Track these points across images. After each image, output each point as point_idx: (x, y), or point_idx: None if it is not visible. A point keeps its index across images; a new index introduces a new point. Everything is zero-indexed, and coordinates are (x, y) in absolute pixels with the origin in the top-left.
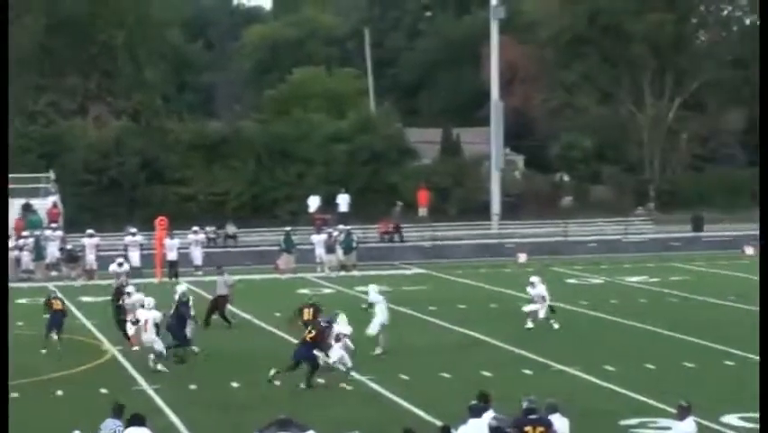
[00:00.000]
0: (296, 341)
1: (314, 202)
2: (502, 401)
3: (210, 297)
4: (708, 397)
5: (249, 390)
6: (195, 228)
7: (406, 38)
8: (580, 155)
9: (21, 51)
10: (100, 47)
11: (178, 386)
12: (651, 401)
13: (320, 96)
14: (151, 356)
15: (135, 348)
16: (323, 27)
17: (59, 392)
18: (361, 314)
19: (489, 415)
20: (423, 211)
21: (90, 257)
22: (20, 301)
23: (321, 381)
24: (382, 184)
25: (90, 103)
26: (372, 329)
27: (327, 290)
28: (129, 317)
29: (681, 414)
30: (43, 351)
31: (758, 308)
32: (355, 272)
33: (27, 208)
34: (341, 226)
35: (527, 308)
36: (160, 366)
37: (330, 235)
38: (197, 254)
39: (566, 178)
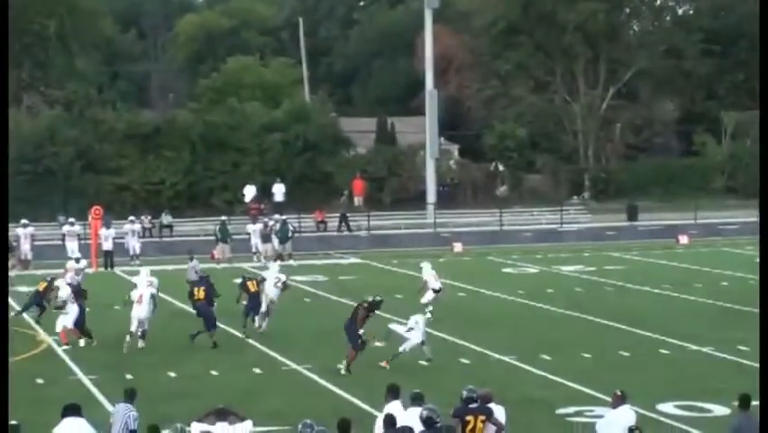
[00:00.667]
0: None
1: (249, 192)
2: (438, 391)
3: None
4: (643, 385)
5: (186, 379)
6: (131, 218)
7: (340, 27)
8: (515, 144)
9: None
10: (32, 37)
11: (114, 376)
12: (586, 390)
13: (254, 85)
14: (138, 332)
15: (66, 346)
16: (257, 17)
17: None
18: (299, 304)
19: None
20: (358, 200)
21: (25, 247)
22: None
23: (383, 364)
24: (317, 173)
25: (23, 93)
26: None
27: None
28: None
29: (616, 402)
30: None
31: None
32: (291, 262)
33: None
34: (276, 216)
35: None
36: (141, 343)
37: (266, 225)
38: (134, 244)
39: (501, 167)
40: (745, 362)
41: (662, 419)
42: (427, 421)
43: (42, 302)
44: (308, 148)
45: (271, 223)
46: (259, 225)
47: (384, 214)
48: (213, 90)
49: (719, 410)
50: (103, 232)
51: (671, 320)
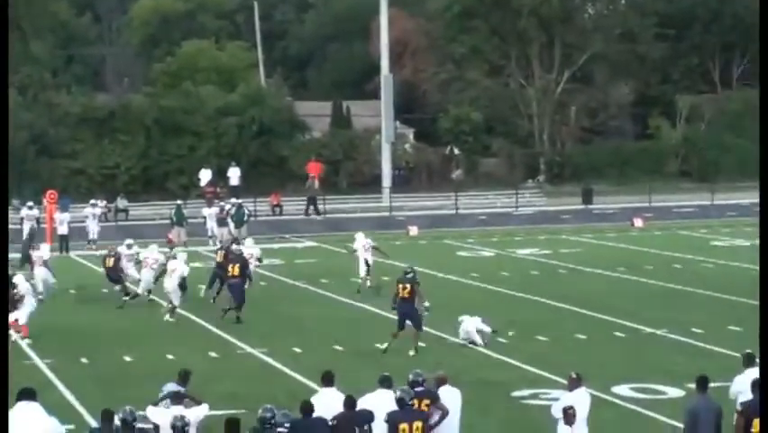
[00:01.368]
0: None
1: (205, 175)
2: (395, 374)
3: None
4: (598, 368)
5: (141, 363)
6: (92, 201)
7: (295, 11)
8: (470, 128)
9: None
10: None
11: (69, 360)
12: (542, 373)
13: (209, 69)
14: (167, 305)
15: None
16: (212, 0)
17: None
18: (255, 288)
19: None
20: (315, 183)
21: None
22: None
23: (339, 348)
24: (273, 157)
25: None
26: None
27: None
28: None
29: (572, 385)
30: None
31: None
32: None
33: None
34: (233, 200)
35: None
36: (167, 317)
37: (221, 209)
38: (94, 228)
39: (456, 151)
40: (698, 344)
41: (617, 401)
42: (399, 402)
43: None
44: (264, 132)
45: (227, 207)
46: (215, 209)
47: (340, 198)
48: (168, 74)
49: (674, 392)
50: (58, 216)
51: (625, 303)
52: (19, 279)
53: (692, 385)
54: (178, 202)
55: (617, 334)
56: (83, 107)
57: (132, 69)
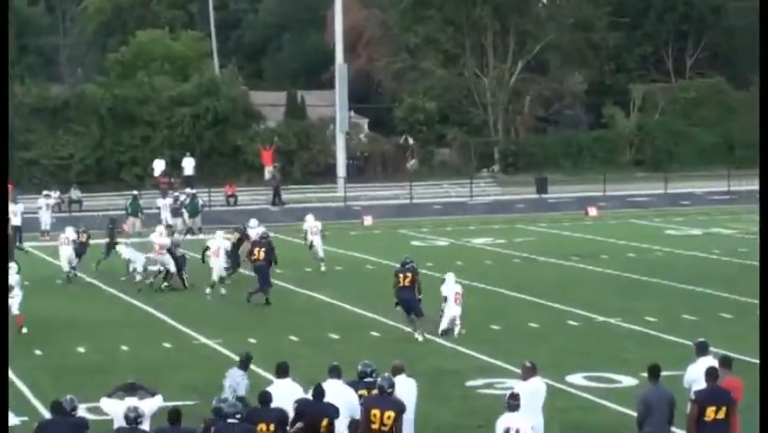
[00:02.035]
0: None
1: (158, 166)
2: (346, 365)
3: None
4: (552, 357)
5: (96, 354)
6: (46, 192)
7: (249, 0)
8: (425, 118)
9: None
10: None
11: (23, 351)
12: (497, 362)
13: (164, 58)
14: (214, 279)
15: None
16: None
17: None
18: (209, 278)
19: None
20: (268, 173)
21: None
22: None
23: (295, 338)
24: (227, 147)
25: None
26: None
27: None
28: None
29: (526, 374)
30: None
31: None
32: (201, 236)
33: None
34: (188, 190)
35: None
36: (223, 291)
37: (176, 199)
38: (47, 219)
39: (411, 140)
40: (651, 332)
41: (571, 390)
42: (380, 389)
43: None
44: (218, 121)
45: (182, 197)
46: (169, 200)
47: (294, 187)
48: (122, 64)
49: (628, 381)
50: (11, 207)
51: (579, 292)
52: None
53: (646, 374)
54: (134, 192)
55: (571, 323)
56: (37, 98)
57: (85, 59)
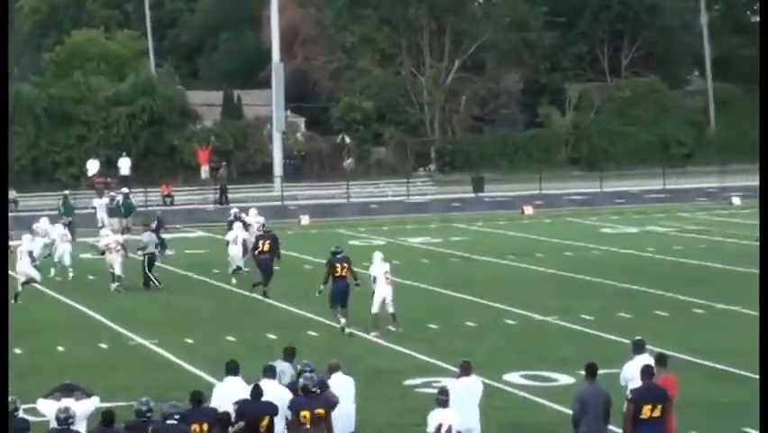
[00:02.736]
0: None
1: (92, 166)
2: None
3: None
4: (489, 355)
5: (32, 356)
6: None
7: None
8: (361, 117)
9: None
10: None
11: None
12: (434, 361)
13: (99, 58)
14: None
15: None
16: None
17: None
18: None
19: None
20: (205, 172)
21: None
22: None
23: (232, 338)
24: (163, 147)
25: None
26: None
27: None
28: None
29: (463, 372)
30: None
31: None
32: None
33: None
34: (125, 190)
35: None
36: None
37: (112, 199)
38: None
39: (348, 140)
40: (588, 331)
41: (508, 388)
42: (304, 389)
43: None
44: (154, 121)
45: (118, 197)
46: (105, 200)
47: (231, 187)
48: (57, 63)
49: (565, 379)
50: None
51: (516, 290)
52: None
53: (583, 372)
54: (65, 192)
55: (508, 321)
56: None
57: (21, 59)
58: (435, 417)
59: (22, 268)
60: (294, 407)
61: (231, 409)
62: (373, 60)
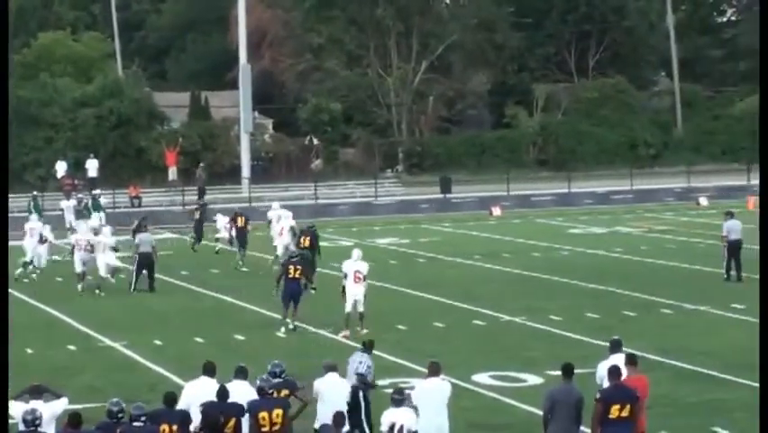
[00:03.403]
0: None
1: (61, 167)
2: (256, 365)
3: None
4: (458, 356)
5: None
6: None
7: (152, 1)
8: (329, 118)
9: None
10: None
11: None
12: (402, 361)
13: (66, 60)
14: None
15: None
16: None
17: None
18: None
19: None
20: (172, 174)
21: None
22: None
23: (200, 339)
24: (131, 148)
25: None
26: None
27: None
28: None
29: (431, 373)
30: None
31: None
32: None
33: None
34: (96, 191)
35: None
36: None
37: (80, 201)
38: None
39: (315, 141)
40: (556, 331)
41: (477, 389)
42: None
43: None
44: (122, 123)
45: (85, 199)
46: (73, 201)
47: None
48: (24, 65)
49: (533, 380)
50: None
51: (484, 291)
52: None
53: (552, 372)
54: (34, 193)
55: (477, 322)
56: None
57: None
58: (389, 416)
59: (106, 260)
60: (252, 409)
61: (197, 409)
62: (340, 62)
